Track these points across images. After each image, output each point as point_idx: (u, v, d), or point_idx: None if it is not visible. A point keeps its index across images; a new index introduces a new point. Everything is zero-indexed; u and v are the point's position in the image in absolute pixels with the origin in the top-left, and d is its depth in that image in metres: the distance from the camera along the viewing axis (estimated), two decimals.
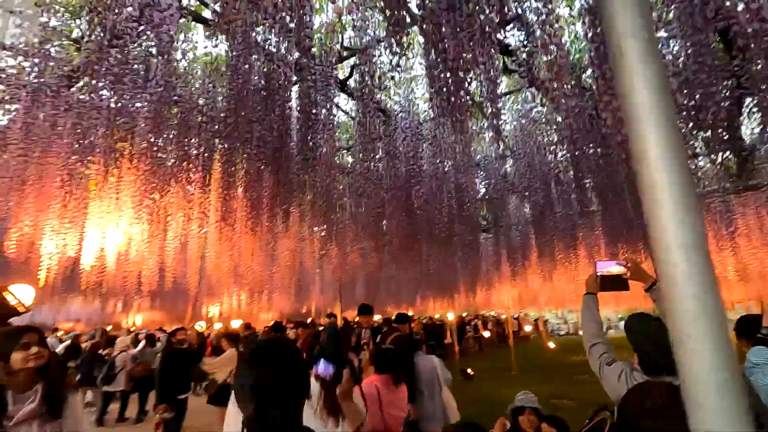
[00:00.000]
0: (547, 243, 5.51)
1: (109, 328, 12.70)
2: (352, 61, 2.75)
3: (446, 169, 3.26)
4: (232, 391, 1.29)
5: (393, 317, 5.56)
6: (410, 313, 13.27)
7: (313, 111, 2.56)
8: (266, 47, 2.15)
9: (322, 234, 4.42)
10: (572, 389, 7.85)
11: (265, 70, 2.24)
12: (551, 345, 16.29)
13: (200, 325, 9.91)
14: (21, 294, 2.93)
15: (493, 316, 24.76)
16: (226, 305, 9.28)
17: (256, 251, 4.64)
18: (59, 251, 3.60)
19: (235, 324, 12.68)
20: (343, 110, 2.99)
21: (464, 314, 20.33)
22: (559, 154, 3.36)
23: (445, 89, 2.11)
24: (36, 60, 2.18)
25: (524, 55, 2.14)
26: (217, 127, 2.58)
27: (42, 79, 2.32)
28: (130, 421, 7.83)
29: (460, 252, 5.59)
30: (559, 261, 6.29)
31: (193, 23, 2.48)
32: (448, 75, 2.06)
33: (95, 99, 2.35)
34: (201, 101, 2.58)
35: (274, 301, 9.87)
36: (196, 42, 2.26)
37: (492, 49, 1.91)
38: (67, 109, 2.51)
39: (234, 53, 2.07)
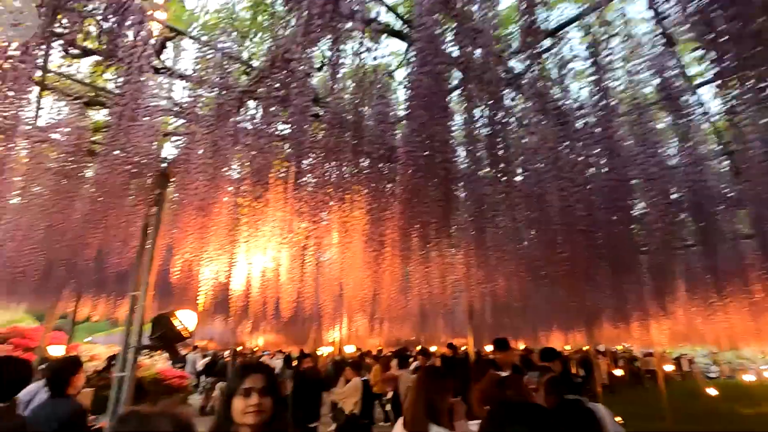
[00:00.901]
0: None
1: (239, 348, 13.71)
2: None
3: (629, 177, 2.66)
4: None
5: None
6: (521, 346, 12.04)
7: (481, 117, 2.24)
8: (448, 52, 1.90)
9: (462, 257, 4.04)
10: None
11: (444, 77, 1.99)
12: (711, 391, 13.41)
13: (321, 351, 10.12)
14: (186, 319, 3.03)
15: (623, 351, 21.73)
16: (344, 330, 9.30)
17: (387, 275, 4.41)
18: (214, 277, 3.74)
19: (349, 349, 12.80)
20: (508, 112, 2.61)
21: (584, 348, 18.14)
22: None
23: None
24: (209, 87, 2.22)
25: None
26: (380, 150, 2.40)
27: (211, 106, 2.37)
28: None
29: (610, 277, 4.75)
30: (738, 291, 5.08)
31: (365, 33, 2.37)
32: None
33: (261, 123, 2.33)
34: (369, 122, 2.42)
35: (385, 327, 9.68)
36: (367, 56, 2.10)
37: None
38: (231, 135, 2.54)
39: (418, 62, 1.85)
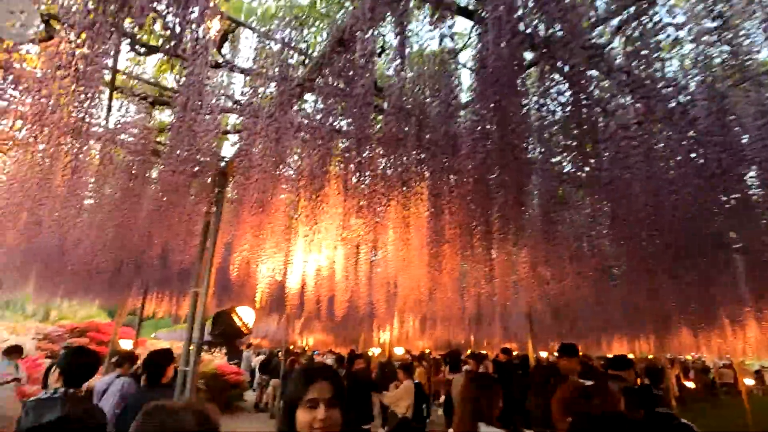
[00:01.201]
0: None
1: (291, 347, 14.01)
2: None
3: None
4: None
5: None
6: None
7: (557, 98, 2.02)
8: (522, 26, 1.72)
9: (526, 254, 3.78)
10: None
11: (518, 55, 1.80)
12: None
13: (373, 351, 10.08)
14: (246, 316, 3.03)
15: (694, 361, 20.00)
16: (396, 331, 9.19)
17: (443, 274, 4.23)
18: (271, 275, 3.74)
19: (398, 351, 12.69)
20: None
21: (649, 356, 16.79)
22: None
23: None
24: (268, 79, 2.17)
25: None
26: (444, 140, 2.24)
27: (270, 99, 2.32)
28: None
29: (695, 277, 4.28)
30: None
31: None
32: None
33: (319, 116, 2.25)
34: (433, 109, 2.27)
35: (437, 329, 9.43)
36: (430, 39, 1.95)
37: None
38: (289, 128, 2.49)
39: (490, 39, 1.69)
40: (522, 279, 4.08)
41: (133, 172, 3.13)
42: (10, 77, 2.35)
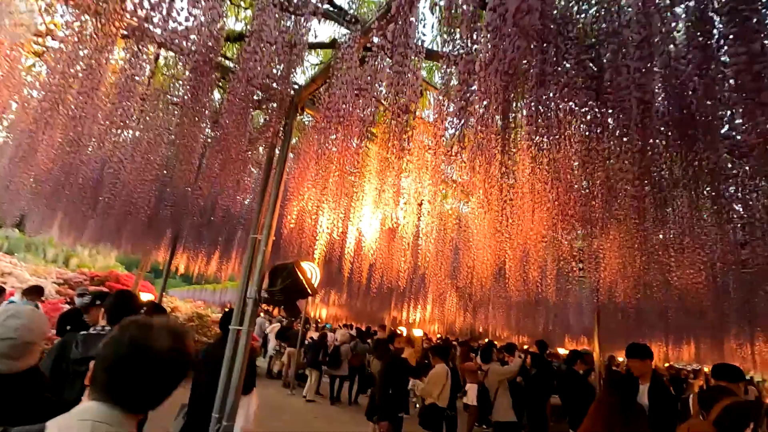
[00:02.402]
0: None
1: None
2: None
3: None
4: None
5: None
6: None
7: None
8: None
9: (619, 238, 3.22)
10: None
11: None
12: None
13: (401, 330, 9.72)
14: (311, 272, 2.56)
15: None
16: (420, 311, 8.74)
17: (512, 251, 3.71)
18: (329, 231, 3.26)
19: (417, 333, 12.31)
20: None
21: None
22: None
23: None
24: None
25: None
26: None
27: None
28: (343, 403, 9.14)
29: None
30: None
31: None
32: None
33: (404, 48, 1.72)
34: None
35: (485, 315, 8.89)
36: None
37: None
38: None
39: None
40: (615, 266, 3.52)
41: (190, 91, 2.63)
42: None
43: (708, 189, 2.38)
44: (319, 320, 19.04)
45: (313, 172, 3.03)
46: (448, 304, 7.07)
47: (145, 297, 7.77)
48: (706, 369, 20.82)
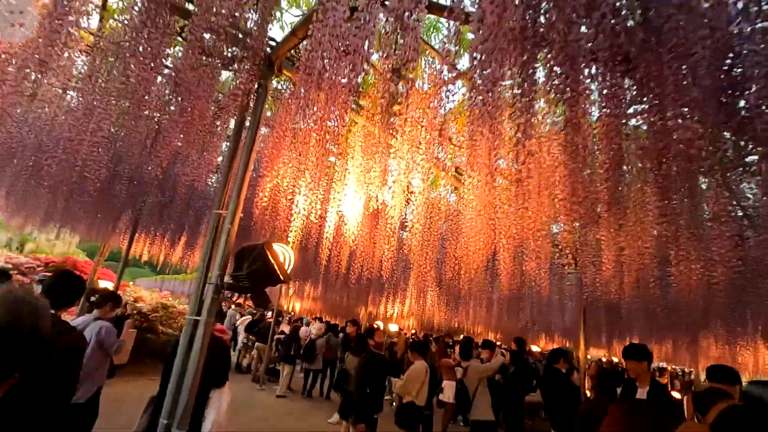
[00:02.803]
0: None
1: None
2: None
3: None
4: None
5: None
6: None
7: None
8: None
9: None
10: None
11: None
12: None
13: (377, 324, 9.40)
14: (284, 256, 2.22)
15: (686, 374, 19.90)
16: (398, 305, 8.47)
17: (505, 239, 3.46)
18: (305, 213, 2.91)
19: (393, 328, 12.06)
20: None
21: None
22: None
23: None
24: None
25: None
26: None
27: None
28: (315, 398, 8.87)
29: None
30: None
31: None
32: None
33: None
34: None
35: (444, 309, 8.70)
36: None
37: None
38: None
39: None
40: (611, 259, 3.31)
41: (145, 43, 2.23)
42: None
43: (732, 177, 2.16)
44: (292, 313, 18.53)
45: (290, 145, 2.68)
46: (428, 298, 6.82)
47: (104, 285, 7.19)
48: (669, 367, 21.52)
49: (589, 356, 12.99)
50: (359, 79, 2.43)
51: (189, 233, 5.67)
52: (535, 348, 16.26)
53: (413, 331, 16.80)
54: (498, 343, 15.10)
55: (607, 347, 12.55)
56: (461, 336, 14.55)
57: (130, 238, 5.86)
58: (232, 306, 13.69)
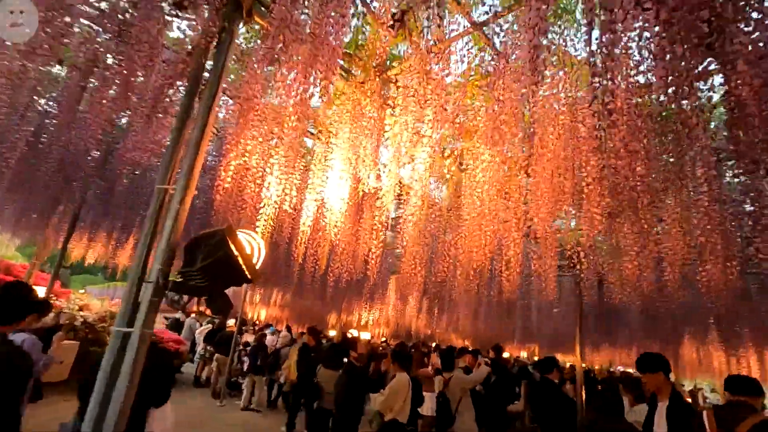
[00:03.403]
0: None
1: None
2: None
3: None
4: None
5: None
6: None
7: None
8: None
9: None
10: None
11: None
12: None
13: (351, 333, 8.82)
14: (251, 246, 1.71)
15: None
16: (373, 312, 7.97)
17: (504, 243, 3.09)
18: (276, 201, 2.41)
19: (364, 336, 11.52)
20: None
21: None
22: None
23: None
24: None
25: None
26: None
27: None
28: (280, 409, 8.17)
29: None
30: None
31: None
32: None
33: None
34: None
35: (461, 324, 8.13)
36: None
37: None
38: None
39: None
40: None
41: None
42: None
43: None
44: (257, 322, 17.55)
45: (260, 115, 2.18)
46: (409, 302, 6.37)
47: (38, 291, 6.30)
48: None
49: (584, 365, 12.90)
50: (349, 29, 1.99)
51: (138, 230, 4.97)
52: (505, 354, 16.15)
53: (383, 339, 16.27)
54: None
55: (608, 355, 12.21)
56: (432, 344, 14.20)
57: (67, 235, 5.06)
58: (192, 315, 12.68)
